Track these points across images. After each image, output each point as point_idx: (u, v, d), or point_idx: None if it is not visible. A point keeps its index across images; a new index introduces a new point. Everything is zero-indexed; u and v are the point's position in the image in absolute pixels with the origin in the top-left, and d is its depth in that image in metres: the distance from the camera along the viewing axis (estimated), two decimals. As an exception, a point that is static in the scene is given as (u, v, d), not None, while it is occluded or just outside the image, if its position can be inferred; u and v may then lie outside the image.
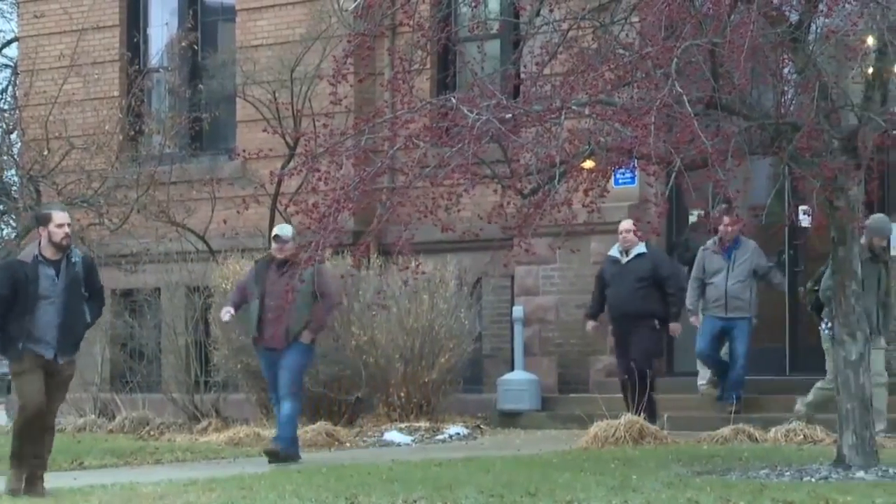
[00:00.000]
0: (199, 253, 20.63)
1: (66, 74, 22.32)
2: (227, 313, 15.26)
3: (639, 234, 15.75)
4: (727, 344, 18.53)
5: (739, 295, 17.99)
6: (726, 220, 17.51)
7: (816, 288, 16.17)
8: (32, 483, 11.85)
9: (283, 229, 15.04)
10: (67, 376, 11.84)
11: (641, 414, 16.99)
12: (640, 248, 17.54)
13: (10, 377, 14.83)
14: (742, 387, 18.32)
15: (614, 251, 18.14)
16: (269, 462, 14.85)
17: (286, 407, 14.91)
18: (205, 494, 12.71)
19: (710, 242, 18.38)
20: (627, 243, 17.80)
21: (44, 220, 11.26)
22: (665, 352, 19.73)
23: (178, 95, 23.19)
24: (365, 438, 17.90)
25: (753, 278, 18.11)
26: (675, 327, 18.14)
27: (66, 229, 11.18)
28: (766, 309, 18.63)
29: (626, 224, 17.64)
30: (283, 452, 14.88)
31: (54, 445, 19.04)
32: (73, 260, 11.19)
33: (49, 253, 11.10)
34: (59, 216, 11.21)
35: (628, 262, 17.71)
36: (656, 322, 17.90)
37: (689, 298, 18.52)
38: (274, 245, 14.83)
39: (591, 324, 18.78)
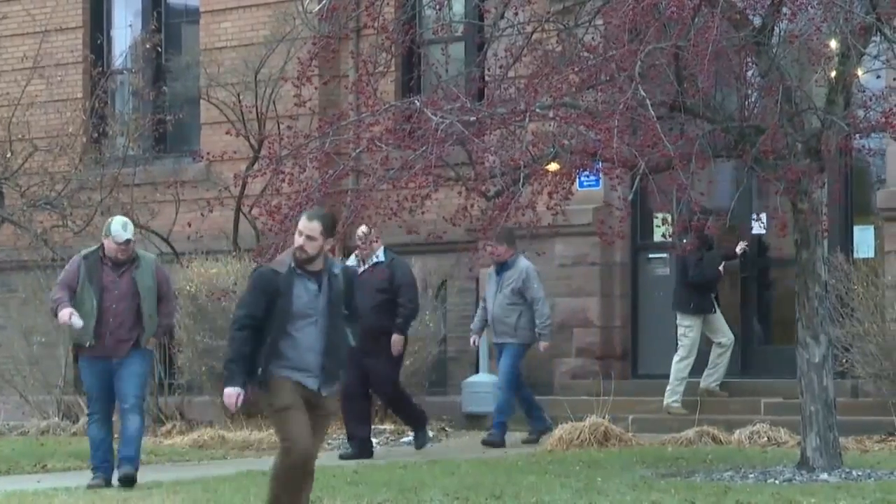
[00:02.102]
0: (163, 255, 20.57)
1: (29, 76, 22.25)
2: (74, 315, 13.01)
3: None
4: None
5: (504, 319, 17.42)
6: (489, 247, 16.62)
7: None
8: None
9: (127, 228, 13.30)
10: (331, 413, 9.99)
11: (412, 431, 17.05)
12: (380, 255, 16.75)
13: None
14: (505, 415, 17.66)
15: (352, 260, 17.07)
16: (125, 487, 13.29)
17: (135, 421, 13.48)
18: (169, 497, 12.70)
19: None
20: (365, 250, 16.81)
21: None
22: (630, 354, 19.78)
23: (142, 97, 23.10)
24: (330, 441, 17.84)
25: (525, 303, 17.53)
26: (395, 340, 16.70)
27: (303, 242, 9.28)
28: (732, 312, 18.55)
29: (363, 229, 16.12)
30: (135, 473, 13.51)
31: (18, 447, 19.09)
32: (334, 272, 9.46)
33: (298, 262, 9.30)
34: (304, 225, 9.35)
35: (364, 271, 16.56)
36: (394, 338, 16.74)
37: (475, 320, 18.46)
38: (113, 245, 13.20)
39: None
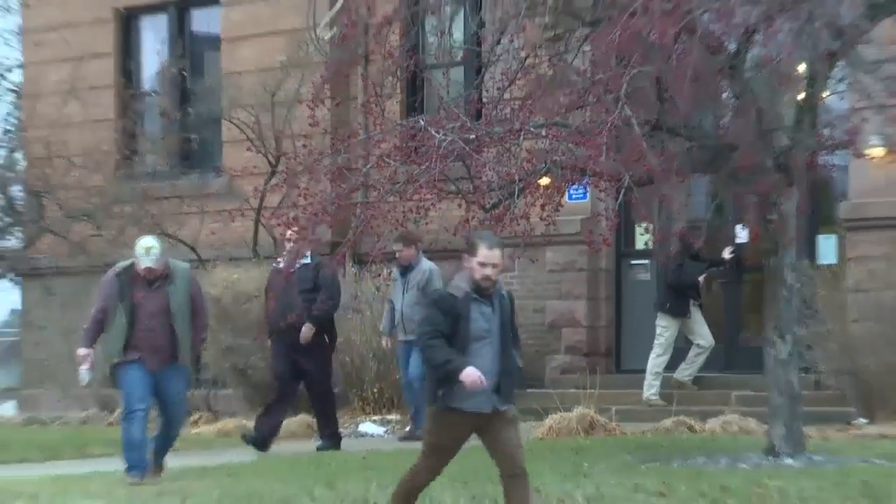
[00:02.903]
0: (189, 262, 20.51)
1: (66, 99, 22.26)
2: (84, 367, 12.88)
3: (593, 244, 15.55)
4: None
5: (413, 317, 16.58)
6: (398, 246, 16.82)
7: None
8: None
9: (150, 253, 12.62)
10: (510, 424, 9.09)
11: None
12: (306, 258, 15.95)
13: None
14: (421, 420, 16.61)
15: (279, 263, 16.59)
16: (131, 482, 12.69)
17: (174, 435, 13.37)
18: (197, 481, 12.70)
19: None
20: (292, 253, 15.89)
21: (470, 250, 8.97)
22: (614, 351, 19.77)
23: (169, 118, 23.14)
24: (342, 430, 17.83)
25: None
26: (304, 329, 15.97)
27: (489, 272, 8.87)
28: (705, 313, 18.52)
29: (291, 231, 15.24)
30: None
31: (60, 436, 19.02)
32: (502, 294, 9.07)
33: (477, 287, 8.91)
34: (485, 251, 8.90)
35: (294, 272, 15.99)
36: (325, 336, 16.38)
37: (383, 321, 17.88)
38: (141, 264, 12.62)
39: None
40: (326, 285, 16.07)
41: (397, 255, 16.83)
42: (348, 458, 14.44)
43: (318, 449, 16.05)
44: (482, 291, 8.83)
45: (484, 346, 8.75)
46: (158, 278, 12.60)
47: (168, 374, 12.70)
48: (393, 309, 17.25)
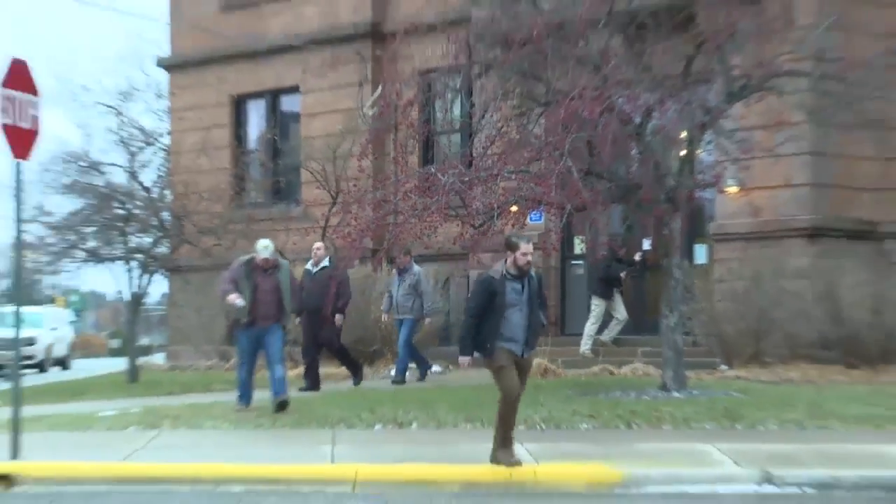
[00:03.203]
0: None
1: (198, 154, 22.29)
2: (238, 298, 12.64)
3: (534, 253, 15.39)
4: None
5: (404, 303, 16.42)
6: (397, 258, 16.53)
7: None
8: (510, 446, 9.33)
9: (268, 247, 12.86)
10: (530, 365, 9.49)
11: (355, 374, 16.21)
12: (325, 262, 15.46)
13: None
14: (404, 364, 16.61)
15: (309, 265, 15.90)
16: (279, 411, 12.49)
17: (280, 370, 12.81)
18: (279, 411, 12.63)
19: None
20: (317, 258, 15.64)
21: (513, 247, 9.07)
22: (560, 321, 19.70)
23: (265, 167, 23.15)
24: (378, 374, 17.74)
25: (417, 293, 16.45)
26: (338, 318, 15.64)
27: (529, 257, 9.08)
28: (622, 297, 18.38)
29: (318, 244, 15.73)
30: (287, 399, 12.88)
31: (193, 377, 18.92)
32: (532, 276, 9.13)
33: (514, 272, 8.97)
34: (525, 247, 9.12)
35: (317, 272, 15.60)
36: (337, 316, 15.56)
37: (384, 303, 17.10)
38: (261, 256, 12.69)
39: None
40: (341, 284, 15.59)
41: (397, 261, 16.58)
42: (382, 392, 14.38)
43: (355, 384, 15.88)
44: (520, 272, 8.91)
45: (514, 311, 8.84)
46: (270, 267, 12.62)
47: (271, 331, 12.64)
48: (390, 296, 16.81)
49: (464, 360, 9.07)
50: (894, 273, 16.12)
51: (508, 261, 9.03)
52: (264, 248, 12.68)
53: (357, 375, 16.19)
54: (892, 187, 16.57)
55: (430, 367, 17.20)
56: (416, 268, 16.62)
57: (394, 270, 17.10)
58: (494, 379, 9.08)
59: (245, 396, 12.84)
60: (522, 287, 8.95)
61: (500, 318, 8.85)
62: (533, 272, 9.19)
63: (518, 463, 8.98)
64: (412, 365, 16.87)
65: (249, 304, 12.53)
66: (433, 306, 17.35)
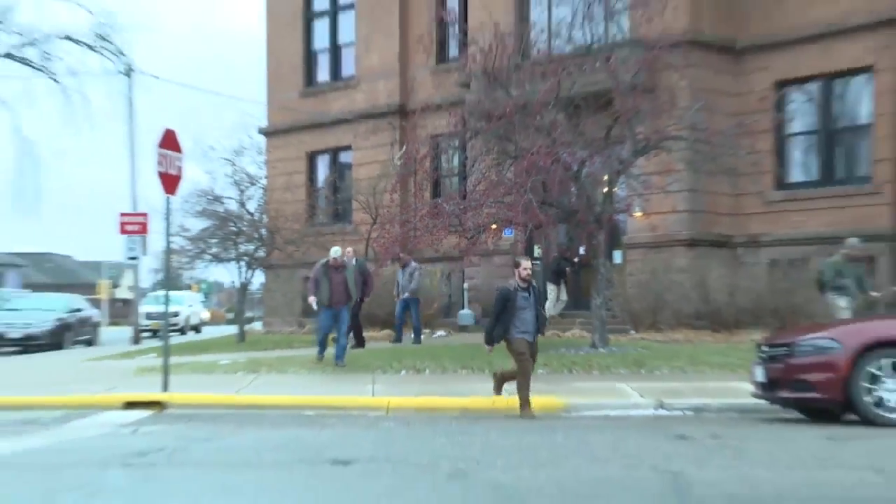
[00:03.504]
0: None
1: (284, 191, 22.11)
2: (314, 301, 12.11)
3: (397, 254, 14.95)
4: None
5: (406, 287, 15.56)
6: (402, 256, 15.30)
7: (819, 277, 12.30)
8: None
9: (338, 251, 12.36)
10: (537, 349, 8.98)
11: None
12: (352, 261, 13.43)
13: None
14: (419, 333, 15.89)
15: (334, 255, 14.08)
16: (338, 365, 11.99)
17: (343, 340, 12.29)
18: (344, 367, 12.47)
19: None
20: (347, 257, 13.17)
21: (516, 265, 8.77)
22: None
23: (328, 199, 22.88)
24: (403, 337, 17.65)
25: (413, 282, 15.60)
26: (363, 303, 14.65)
27: (528, 271, 8.71)
28: (567, 285, 18.13)
29: (349, 249, 13.73)
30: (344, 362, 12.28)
31: (280, 338, 18.62)
32: (534, 285, 8.81)
33: (522, 284, 8.64)
34: (524, 263, 8.77)
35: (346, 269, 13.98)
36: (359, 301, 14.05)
37: (395, 289, 16.06)
38: (333, 258, 12.18)
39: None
40: (367, 277, 14.52)
41: (401, 258, 15.47)
42: (405, 349, 14.29)
43: (353, 347, 14.35)
44: (526, 283, 8.66)
45: (525, 312, 8.59)
46: (340, 266, 12.27)
47: (342, 311, 12.30)
48: (398, 284, 16.06)
49: (488, 348, 8.90)
50: (742, 269, 16.05)
51: (515, 275, 8.74)
52: (335, 252, 12.39)
53: (358, 342, 15.06)
54: (740, 213, 16.53)
55: (401, 337, 16.10)
56: (413, 264, 16.03)
57: (398, 267, 16.51)
58: (515, 360, 8.70)
59: (321, 352, 12.64)
60: (529, 294, 8.67)
61: (515, 317, 8.56)
62: (535, 283, 8.88)
63: (533, 415, 8.50)
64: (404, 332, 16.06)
65: (328, 292, 12.11)
66: (414, 287, 16.08)
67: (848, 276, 11.88)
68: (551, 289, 17.65)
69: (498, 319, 8.63)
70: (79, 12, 38.27)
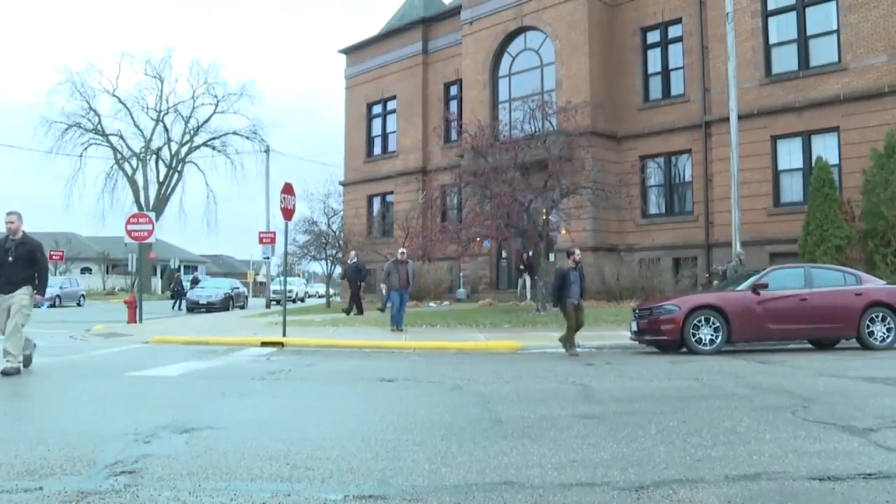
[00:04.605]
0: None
1: (353, 218, 21.78)
2: (384, 288, 10.54)
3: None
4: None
5: (403, 282, 10.60)
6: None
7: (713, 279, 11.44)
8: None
9: (403, 252, 10.97)
10: (583, 309, 7.86)
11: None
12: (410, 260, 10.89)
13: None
14: (396, 311, 10.58)
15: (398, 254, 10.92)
16: (393, 329, 10.28)
17: (402, 312, 10.62)
18: (365, 323, 11.57)
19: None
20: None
21: (570, 253, 7.49)
22: (496, 285, 18.18)
23: (379, 223, 22.09)
24: (425, 305, 16.96)
25: (411, 275, 10.80)
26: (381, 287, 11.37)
27: (578, 257, 7.63)
28: (522, 280, 16.97)
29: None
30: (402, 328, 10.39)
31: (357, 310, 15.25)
32: (580, 266, 7.66)
33: (573, 265, 7.68)
34: (577, 253, 7.72)
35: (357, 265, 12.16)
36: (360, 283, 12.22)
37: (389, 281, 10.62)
38: (398, 257, 10.76)
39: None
40: (414, 274, 12.21)
41: (400, 257, 10.89)
42: (425, 312, 13.85)
43: (380, 309, 12.68)
44: (575, 264, 7.82)
45: (574, 285, 7.76)
46: (401, 262, 11.00)
47: (402, 293, 10.86)
48: (398, 277, 12.31)
49: (553, 309, 8.13)
50: (623, 265, 15.93)
51: (570, 259, 7.83)
52: (400, 253, 11.25)
53: (359, 311, 13.31)
54: (622, 231, 16.47)
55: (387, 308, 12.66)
56: (411, 264, 13.72)
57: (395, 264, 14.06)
58: (565, 317, 7.77)
59: (392, 320, 10.93)
60: (578, 273, 7.81)
61: (568, 288, 7.70)
62: (580, 266, 7.87)
63: (576, 354, 7.44)
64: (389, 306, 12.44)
65: (396, 280, 10.59)
66: (415, 279, 13.51)
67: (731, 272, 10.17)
68: (523, 278, 16.60)
69: (557, 290, 7.75)
70: (242, 119, 45.37)
